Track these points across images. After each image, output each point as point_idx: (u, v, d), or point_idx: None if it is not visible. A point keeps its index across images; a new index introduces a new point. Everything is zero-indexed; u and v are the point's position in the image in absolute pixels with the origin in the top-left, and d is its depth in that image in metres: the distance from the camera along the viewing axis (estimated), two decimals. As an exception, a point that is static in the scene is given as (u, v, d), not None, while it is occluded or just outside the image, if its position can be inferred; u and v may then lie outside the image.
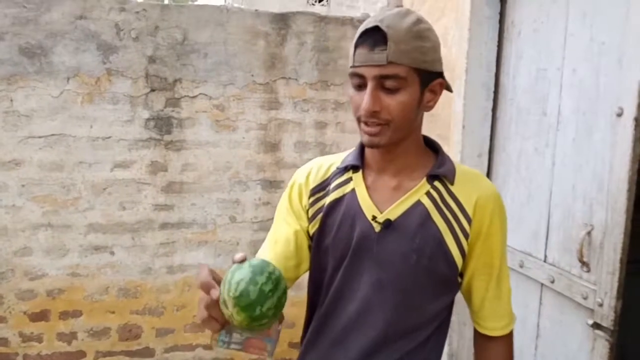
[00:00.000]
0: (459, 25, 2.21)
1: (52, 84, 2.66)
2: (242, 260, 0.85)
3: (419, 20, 1.01)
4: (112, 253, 2.82)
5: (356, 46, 1.01)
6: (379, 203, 1.09)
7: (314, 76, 2.97)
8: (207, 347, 3.01)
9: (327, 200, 1.13)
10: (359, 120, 1.04)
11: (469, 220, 1.08)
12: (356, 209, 1.10)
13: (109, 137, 2.75)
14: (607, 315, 1.52)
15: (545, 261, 1.85)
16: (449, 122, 2.30)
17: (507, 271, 1.18)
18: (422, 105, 1.06)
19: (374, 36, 0.98)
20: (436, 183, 1.10)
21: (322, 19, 2.96)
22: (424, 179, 1.09)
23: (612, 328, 1.51)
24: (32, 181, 2.69)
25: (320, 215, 1.13)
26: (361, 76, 1.00)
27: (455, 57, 2.21)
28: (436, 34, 1.06)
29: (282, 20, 2.90)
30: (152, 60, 2.76)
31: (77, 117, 2.70)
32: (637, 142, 1.43)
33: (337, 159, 1.19)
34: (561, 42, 1.79)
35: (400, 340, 1.10)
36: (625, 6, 1.48)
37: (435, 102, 1.08)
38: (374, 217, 1.08)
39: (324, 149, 3.01)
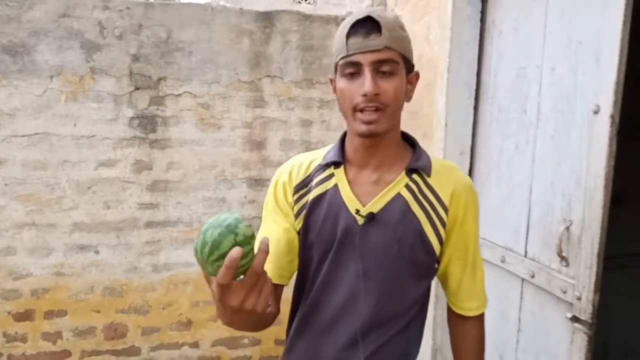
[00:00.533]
0: (441, 24, 2.24)
1: (35, 83, 2.64)
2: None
3: (398, 16, 1.11)
4: (97, 252, 2.81)
5: (348, 36, 1.05)
6: (361, 197, 1.13)
7: (299, 74, 2.98)
8: (193, 345, 3.01)
9: (310, 196, 1.16)
10: (354, 109, 1.06)
11: (446, 210, 1.15)
12: (339, 203, 1.13)
13: (93, 136, 2.74)
14: (586, 309, 1.55)
15: (525, 256, 1.88)
16: (431, 121, 2.32)
17: (480, 257, 1.25)
18: (406, 94, 1.12)
19: (367, 25, 1.04)
20: (414, 176, 1.15)
21: (306, 18, 2.97)
22: (403, 173, 1.14)
23: (590, 321, 1.54)
24: (16, 180, 2.67)
25: (304, 212, 1.16)
26: (356, 64, 1.05)
27: (437, 56, 2.24)
28: None
29: (267, 18, 2.91)
30: (136, 58, 2.75)
31: (61, 115, 2.69)
32: (614, 139, 1.46)
33: (316, 156, 1.23)
34: (540, 41, 1.82)
35: (386, 325, 1.15)
36: (602, 6, 1.51)
37: (412, 94, 1.14)
38: (358, 211, 1.11)
39: (309, 147, 3.02)
